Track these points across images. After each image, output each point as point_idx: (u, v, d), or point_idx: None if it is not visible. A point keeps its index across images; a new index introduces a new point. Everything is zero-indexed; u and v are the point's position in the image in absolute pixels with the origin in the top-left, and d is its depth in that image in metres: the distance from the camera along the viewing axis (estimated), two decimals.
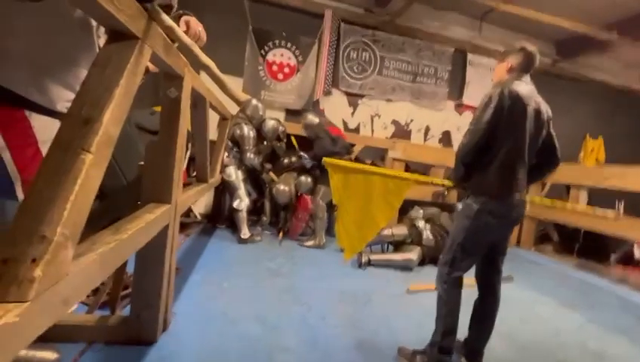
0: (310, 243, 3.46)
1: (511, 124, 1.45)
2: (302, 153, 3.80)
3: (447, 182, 1.75)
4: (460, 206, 1.68)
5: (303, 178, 3.72)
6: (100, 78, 0.79)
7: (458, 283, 1.57)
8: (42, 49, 0.84)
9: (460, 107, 5.18)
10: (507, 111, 1.43)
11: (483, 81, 5.00)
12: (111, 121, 0.77)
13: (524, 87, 1.49)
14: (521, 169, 1.50)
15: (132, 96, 0.89)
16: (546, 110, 1.54)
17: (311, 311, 2.01)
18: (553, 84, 4.99)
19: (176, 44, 1.27)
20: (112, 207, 1.44)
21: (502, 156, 1.46)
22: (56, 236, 0.61)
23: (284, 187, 3.65)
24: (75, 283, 0.69)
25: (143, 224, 1.10)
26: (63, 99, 0.91)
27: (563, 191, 4.81)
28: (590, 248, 4.56)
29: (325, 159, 1.70)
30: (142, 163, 1.50)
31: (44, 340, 1.35)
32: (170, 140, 1.44)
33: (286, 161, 4.02)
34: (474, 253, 1.57)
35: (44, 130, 0.88)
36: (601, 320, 2.46)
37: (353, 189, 1.70)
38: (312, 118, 3.73)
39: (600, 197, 4.20)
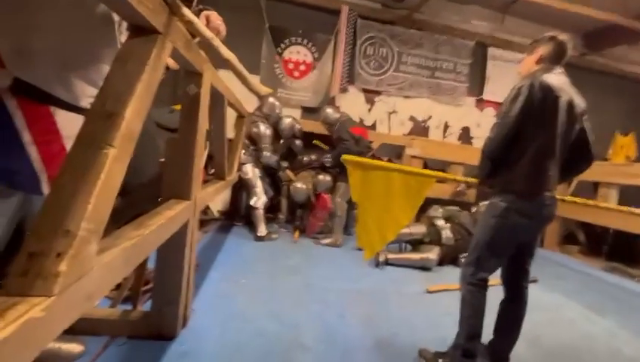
0: (327, 241, 3.43)
1: (541, 118, 1.37)
2: (327, 154, 3.77)
3: (471, 180, 1.68)
4: (484, 204, 1.61)
5: (321, 176, 3.69)
6: (122, 72, 0.79)
7: (483, 285, 1.51)
8: (66, 45, 0.85)
9: (481, 103, 5.03)
10: (537, 104, 1.35)
11: (505, 76, 4.83)
12: (133, 115, 0.76)
13: (556, 78, 1.40)
14: (552, 165, 1.42)
15: (154, 91, 0.88)
16: (580, 103, 1.45)
17: (329, 310, 1.98)
18: (581, 78, 4.71)
19: (196, 40, 1.27)
20: (133, 203, 1.46)
21: (532, 151, 1.39)
22: (80, 231, 0.61)
23: (301, 185, 3.64)
24: (99, 278, 0.69)
25: (164, 220, 1.10)
26: (87, 95, 0.92)
27: (591, 190, 4.59)
28: (620, 250, 4.33)
29: (344, 156, 1.67)
30: (162, 160, 1.52)
31: (70, 333, 1.38)
32: (190, 137, 1.45)
33: (305, 158, 4.00)
34: (501, 253, 1.50)
35: (68, 125, 0.89)
36: (633, 325, 2.33)
37: (373, 187, 1.66)
38: (332, 113, 3.68)
39: (631, 197, 3.99)
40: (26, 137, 0.82)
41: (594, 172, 3.94)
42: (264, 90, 1.23)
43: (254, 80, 1.26)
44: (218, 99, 2.03)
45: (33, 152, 0.83)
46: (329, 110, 3.72)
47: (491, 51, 4.92)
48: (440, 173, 1.73)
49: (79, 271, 0.62)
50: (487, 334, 1.57)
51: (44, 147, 0.85)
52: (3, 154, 0.80)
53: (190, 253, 1.55)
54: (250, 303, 1.94)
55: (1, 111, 0.79)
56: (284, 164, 3.95)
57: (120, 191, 1.67)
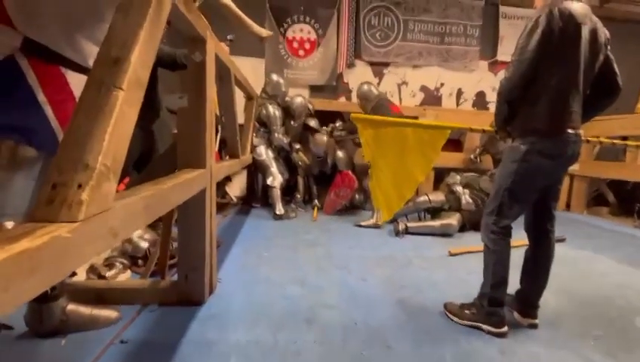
0: (368, 222, 3.17)
1: (563, 49, 1.28)
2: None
3: (487, 129, 1.62)
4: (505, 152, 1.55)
5: (340, 153, 3.64)
6: (125, 22, 0.80)
7: (507, 233, 1.47)
8: (70, 4, 0.86)
9: (495, 65, 4.83)
10: (558, 35, 1.27)
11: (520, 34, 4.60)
12: (139, 61, 0.77)
13: (577, 4, 1.31)
14: (575, 100, 1.34)
15: (156, 44, 0.89)
16: (604, 31, 1.36)
17: (351, 274, 2.00)
18: None
19: (197, 3, 1.27)
20: (150, 174, 1.50)
21: (552, 87, 1.31)
22: (98, 164, 0.63)
23: (321, 136, 3.59)
24: (121, 217, 0.71)
25: (180, 181, 1.13)
26: (94, 55, 0.93)
27: (619, 150, 4.36)
28: None
29: (353, 115, 1.64)
30: (175, 131, 1.54)
31: (105, 302, 1.46)
32: (199, 106, 1.46)
33: (336, 133, 3.90)
34: (524, 199, 1.45)
35: (80, 86, 0.91)
36: None
37: (386, 145, 1.62)
38: (372, 90, 3.59)
39: None
40: (41, 97, 0.85)
41: (621, 125, 3.76)
42: (265, 32, 1.22)
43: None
44: (225, 74, 2.04)
45: (49, 111, 0.86)
46: (366, 87, 3.61)
47: (503, 9, 4.69)
48: (452, 123, 1.67)
49: (101, 204, 0.64)
50: (512, 290, 1.54)
51: (59, 106, 0.88)
52: (21, 114, 0.84)
53: (210, 222, 1.58)
54: (274, 271, 1.98)
55: (16, 72, 0.81)
56: (297, 145, 3.93)
57: (137, 167, 1.71)
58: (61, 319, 1.26)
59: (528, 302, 1.55)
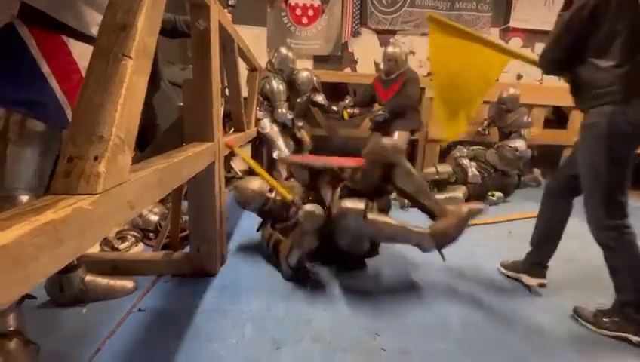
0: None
1: (621, 12, 1.13)
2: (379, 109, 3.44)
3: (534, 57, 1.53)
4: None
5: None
6: None
7: (626, 222, 1.24)
8: None
9: (507, 32, 4.61)
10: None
11: None
12: (145, 28, 0.73)
13: None
14: None
15: (161, 9, 0.85)
16: None
17: None
18: None
19: None
20: (158, 148, 1.49)
21: (618, 44, 1.15)
22: (112, 136, 0.62)
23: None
24: (137, 190, 0.71)
25: (191, 154, 1.12)
26: (96, 22, 0.89)
27: None
28: None
29: (429, 13, 1.58)
30: (181, 104, 1.51)
31: (121, 274, 1.50)
32: (205, 77, 1.42)
33: (355, 110, 3.78)
34: (625, 171, 1.22)
35: (84, 56, 0.88)
36: None
37: (450, 54, 1.52)
38: (398, 51, 3.40)
39: None
40: (45, 68, 0.82)
41: None
42: None
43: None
44: (229, 44, 1.96)
45: (54, 83, 0.84)
46: (390, 48, 3.41)
47: None
48: (519, 51, 1.62)
49: (117, 176, 0.64)
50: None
51: (64, 78, 0.85)
52: (26, 86, 0.81)
53: (220, 195, 1.59)
54: None
55: (17, 42, 0.78)
56: (299, 123, 3.79)
57: (138, 143, 1.68)
58: (80, 289, 1.31)
59: (539, 263, 1.57)
